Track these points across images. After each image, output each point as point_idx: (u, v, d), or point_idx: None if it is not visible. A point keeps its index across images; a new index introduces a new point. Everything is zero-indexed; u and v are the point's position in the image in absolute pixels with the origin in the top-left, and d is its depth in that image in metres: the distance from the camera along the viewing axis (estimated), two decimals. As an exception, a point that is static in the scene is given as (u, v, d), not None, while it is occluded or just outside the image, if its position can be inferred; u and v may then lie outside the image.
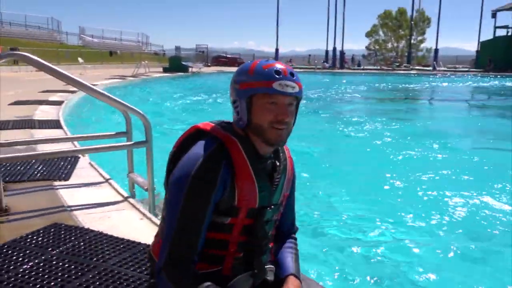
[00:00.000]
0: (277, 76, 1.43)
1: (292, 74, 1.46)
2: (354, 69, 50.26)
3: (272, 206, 1.57)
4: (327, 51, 55.13)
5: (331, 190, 5.85)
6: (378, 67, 53.34)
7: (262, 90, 1.43)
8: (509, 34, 47.36)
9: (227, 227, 1.50)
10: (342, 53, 53.94)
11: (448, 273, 3.67)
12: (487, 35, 50.14)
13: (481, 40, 50.54)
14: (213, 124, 1.57)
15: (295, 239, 1.80)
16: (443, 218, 4.85)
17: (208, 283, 1.37)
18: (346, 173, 6.68)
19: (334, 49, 53.87)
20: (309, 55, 60.02)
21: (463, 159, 7.83)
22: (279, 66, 1.46)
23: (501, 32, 48.37)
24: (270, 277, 1.61)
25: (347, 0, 52.94)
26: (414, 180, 6.28)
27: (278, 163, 1.61)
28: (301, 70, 46.77)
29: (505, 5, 47.81)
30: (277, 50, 54.76)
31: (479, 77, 38.51)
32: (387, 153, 8.07)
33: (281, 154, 1.64)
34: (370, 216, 4.85)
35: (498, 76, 37.54)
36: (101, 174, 4.56)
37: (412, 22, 56.20)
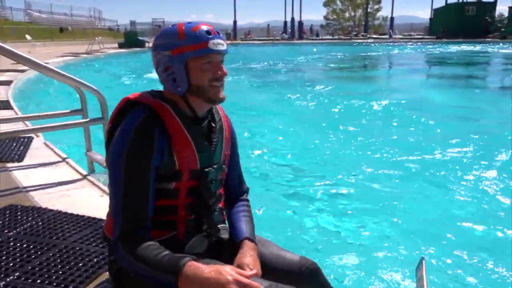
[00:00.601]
0: (209, 36, 1.45)
1: (218, 33, 1.50)
2: (312, 39, 50.42)
3: (215, 166, 1.58)
4: (285, 22, 55.01)
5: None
6: (337, 37, 53.73)
7: (200, 52, 1.45)
8: (460, 1, 48.46)
9: (172, 192, 1.51)
10: (300, 23, 53.96)
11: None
12: (439, 3, 51.21)
13: (434, 8, 51.68)
14: (143, 94, 1.56)
15: (247, 200, 1.81)
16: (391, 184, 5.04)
17: (160, 251, 1.35)
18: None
19: (293, 19, 53.86)
20: (268, 24, 59.64)
21: (414, 121, 8.10)
22: (206, 27, 1.48)
23: (452, 0, 49.51)
24: (225, 235, 1.63)
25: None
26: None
27: (213, 124, 1.62)
28: (260, 41, 46.62)
29: None
30: (235, 22, 54.17)
31: (432, 44, 39.45)
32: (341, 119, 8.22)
33: (216, 114, 1.66)
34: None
35: (450, 43, 38.58)
36: (57, 154, 4.46)
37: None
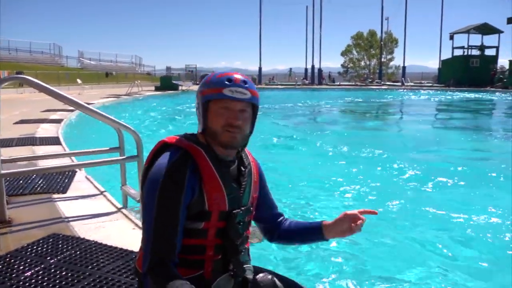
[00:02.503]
0: (228, 83, 1.45)
1: (245, 82, 1.48)
2: (331, 85, 50.71)
3: (243, 208, 1.56)
4: (306, 69, 55.65)
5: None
6: (353, 83, 53.96)
7: (214, 96, 1.46)
8: (465, 53, 48.85)
9: (202, 232, 1.49)
10: (320, 70, 54.53)
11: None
12: (446, 54, 51.53)
13: (442, 59, 51.98)
14: (177, 137, 1.57)
15: (285, 218, 1.82)
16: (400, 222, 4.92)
17: (184, 282, 1.33)
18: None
19: (313, 66, 54.50)
20: (290, 68, 60.38)
21: (424, 164, 7.96)
22: (232, 75, 1.49)
23: (458, 52, 49.96)
24: (250, 275, 1.59)
25: (324, 22, 53.82)
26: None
27: (243, 168, 1.61)
28: (283, 86, 47.13)
29: (461, 29, 49.55)
30: (260, 68, 55.08)
31: (441, 91, 39.51)
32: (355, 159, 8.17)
33: (245, 158, 1.65)
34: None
35: (457, 91, 38.54)
36: (96, 187, 4.55)
37: (382, 43, 57.19)
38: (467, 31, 48.57)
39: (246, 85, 1.48)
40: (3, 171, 3.34)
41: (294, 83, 50.29)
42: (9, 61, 36.71)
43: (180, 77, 42.46)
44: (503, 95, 34.35)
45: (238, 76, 1.49)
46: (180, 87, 33.43)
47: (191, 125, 13.96)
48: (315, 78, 53.59)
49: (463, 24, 49.68)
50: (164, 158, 1.47)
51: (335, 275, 3.45)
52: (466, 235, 4.45)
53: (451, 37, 50.25)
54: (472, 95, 33.91)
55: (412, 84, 50.66)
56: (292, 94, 35.37)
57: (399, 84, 49.87)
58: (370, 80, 54.81)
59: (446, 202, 5.51)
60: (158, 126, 13.32)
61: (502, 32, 47.37)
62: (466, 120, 17.65)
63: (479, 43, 48.75)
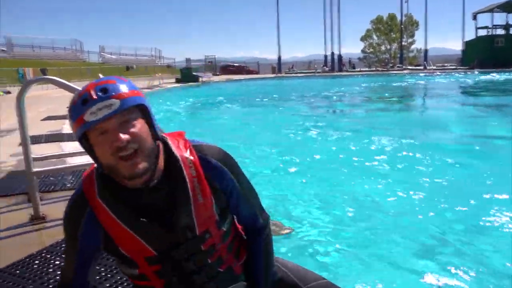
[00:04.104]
0: (85, 106, 1.11)
1: (103, 90, 1.12)
2: (351, 71, 50.17)
3: (184, 242, 1.25)
4: (325, 56, 55.11)
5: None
6: (374, 69, 53.24)
7: (82, 129, 1.13)
8: (489, 33, 47.51)
9: (143, 276, 1.29)
10: (339, 57, 53.93)
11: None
12: (470, 35, 50.39)
13: (465, 40, 50.70)
14: (92, 167, 1.29)
15: (265, 232, 1.45)
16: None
17: None
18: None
19: (332, 53, 53.93)
20: (310, 61, 59.96)
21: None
22: (86, 92, 1.13)
23: (481, 32, 48.64)
24: None
25: (342, 7, 53.13)
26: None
27: (170, 195, 1.24)
28: (303, 74, 46.86)
29: (484, 8, 48.18)
30: (279, 57, 54.85)
31: (464, 73, 38.60)
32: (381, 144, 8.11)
33: (179, 178, 1.24)
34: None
35: (482, 73, 37.55)
36: (124, 182, 4.65)
37: (402, 26, 56.13)
38: (491, 10, 47.25)
39: (106, 94, 1.12)
40: (35, 169, 3.47)
41: (313, 70, 49.93)
42: (33, 58, 37.63)
43: (200, 68, 42.67)
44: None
45: (93, 88, 1.13)
46: (200, 79, 33.60)
47: (212, 118, 14.11)
48: (335, 65, 53.04)
49: (487, 3, 48.10)
50: (69, 200, 1.31)
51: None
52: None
53: (474, 17, 49.03)
54: (498, 76, 33.00)
55: (434, 67, 49.68)
56: (312, 82, 35.14)
57: (421, 68, 48.97)
58: (391, 65, 53.98)
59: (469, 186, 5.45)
60: (180, 122, 13.48)
61: (528, 9, 45.81)
62: (495, 103, 17.22)
63: (504, 22, 47.30)
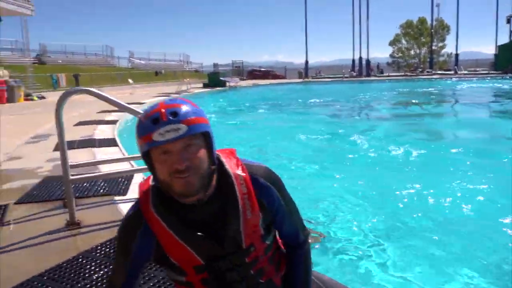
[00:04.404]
0: (154, 126, 1.21)
1: (174, 114, 1.21)
2: (379, 76, 49.59)
3: (230, 254, 1.35)
4: (353, 60, 54.66)
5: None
6: (402, 73, 52.48)
7: (147, 146, 1.23)
8: None
9: (190, 284, 1.40)
10: (367, 61, 53.40)
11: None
12: (503, 39, 49.13)
13: (498, 44, 49.52)
14: (148, 181, 1.41)
15: (304, 248, 1.56)
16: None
17: None
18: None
19: (360, 58, 53.46)
20: (338, 66, 59.53)
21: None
22: (157, 111, 1.22)
23: None
24: None
25: (371, 10, 52.48)
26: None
27: (221, 209, 1.34)
28: (330, 79, 46.62)
29: None
30: (306, 62, 54.73)
31: (499, 78, 37.60)
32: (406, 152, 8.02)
33: (230, 192, 1.34)
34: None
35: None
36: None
37: (432, 30, 55.23)
38: (526, 14, 45.93)
39: (176, 118, 1.21)
40: (72, 177, 3.63)
41: (341, 75, 49.62)
42: (66, 64, 38.86)
43: (227, 73, 43.02)
44: None
45: (165, 110, 1.22)
46: (227, 83, 33.87)
47: (241, 123, 14.23)
48: (363, 69, 52.55)
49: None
50: (127, 212, 1.42)
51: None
52: None
53: (508, 21, 47.83)
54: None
55: (466, 72, 48.54)
56: (340, 87, 34.91)
57: (452, 72, 47.97)
58: (420, 69, 53.10)
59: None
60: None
61: None
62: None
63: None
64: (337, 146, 9.65)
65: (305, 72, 52.73)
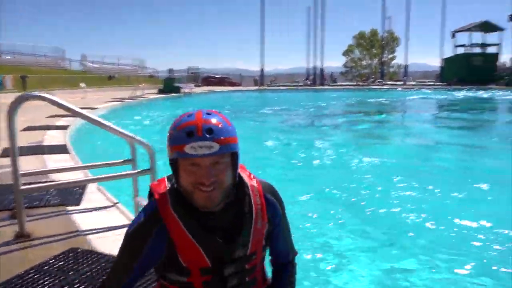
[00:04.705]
0: (189, 139, 1.25)
1: (209, 131, 1.26)
2: (333, 85, 50.83)
3: (235, 260, 1.41)
4: (307, 69, 55.81)
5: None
6: (355, 83, 54.10)
7: (178, 155, 1.29)
8: (467, 51, 49.43)
9: (190, 284, 1.42)
10: (322, 70, 54.66)
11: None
12: (448, 52, 52.08)
13: (444, 57, 52.39)
14: (164, 181, 1.47)
15: (292, 266, 1.67)
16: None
17: None
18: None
19: (315, 67, 54.65)
20: (292, 74, 60.58)
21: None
22: (194, 125, 1.27)
23: (460, 50, 50.48)
24: None
25: (326, 21, 53.93)
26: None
27: (237, 216, 1.42)
28: (285, 87, 47.28)
29: (462, 27, 50.12)
30: (262, 70, 55.21)
31: (444, 90, 39.74)
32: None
33: (247, 201, 1.43)
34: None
35: (460, 89, 38.68)
36: (108, 199, 4.67)
37: (384, 42, 57.37)
38: (469, 29, 48.95)
39: (211, 136, 1.26)
40: (22, 187, 3.48)
41: (296, 83, 50.44)
42: (13, 64, 37.05)
43: (182, 79, 42.64)
44: (505, 92, 34.46)
45: (201, 125, 1.26)
46: (182, 90, 33.58)
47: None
48: (317, 78, 53.71)
49: (465, 22, 50.28)
50: (137, 216, 1.43)
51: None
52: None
53: (453, 35, 50.68)
54: (474, 94, 34.00)
55: (414, 83, 50.81)
56: (295, 95, 35.49)
57: (401, 83, 50.01)
58: (372, 80, 54.95)
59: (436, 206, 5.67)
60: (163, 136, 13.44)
61: (503, 29, 47.77)
62: (469, 119, 17.77)
63: (480, 41, 49.19)
64: (291, 153, 9.80)
65: (261, 79, 53.19)
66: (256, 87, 47.27)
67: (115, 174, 4.20)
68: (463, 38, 50.59)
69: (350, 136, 13.09)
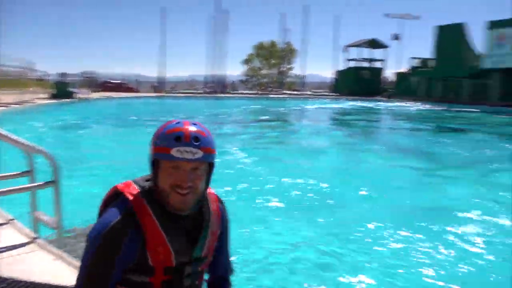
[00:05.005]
0: (177, 143, 1.36)
1: (196, 139, 1.38)
2: (234, 93, 51.60)
3: (193, 261, 1.50)
4: (207, 76, 56.08)
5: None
6: (255, 92, 55.50)
7: (162, 156, 1.38)
8: (357, 65, 53.85)
9: (147, 285, 1.44)
10: (222, 78, 55.23)
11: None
12: (341, 66, 56.29)
13: (337, 70, 56.38)
14: (131, 185, 1.49)
15: (229, 284, 1.76)
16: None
17: None
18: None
19: (215, 75, 55.07)
20: (192, 81, 60.38)
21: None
22: (182, 131, 1.38)
23: (351, 64, 54.72)
24: None
25: (227, 30, 54.62)
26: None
27: (199, 219, 1.52)
28: (185, 94, 46.87)
29: (353, 42, 54.47)
30: (161, 76, 54.23)
31: (336, 100, 42.80)
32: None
33: (206, 208, 1.54)
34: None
35: (351, 99, 41.84)
36: (2, 215, 4.20)
37: (282, 53, 59.87)
38: (359, 45, 53.31)
39: (197, 143, 1.38)
40: None
41: (196, 91, 50.35)
42: None
43: (76, 83, 40.13)
44: (391, 103, 38.05)
45: (189, 132, 1.39)
46: (77, 95, 31.65)
47: (85, 139, 13.42)
48: (218, 86, 54.14)
49: (356, 38, 54.57)
50: (107, 216, 1.41)
51: None
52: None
53: (345, 49, 54.82)
54: (363, 104, 36.99)
55: (310, 93, 53.69)
56: (195, 103, 35.40)
57: (299, 92, 52.54)
58: (271, 88, 56.85)
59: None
60: (52, 143, 12.55)
61: (388, 47, 52.88)
62: (359, 126, 19.33)
63: (368, 57, 54.02)
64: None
65: (160, 86, 52.17)
66: (156, 94, 46.18)
67: (12, 188, 3.79)
68: (353, 53, 54.95)
69: (246, 140, 13.59)
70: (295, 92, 53.74)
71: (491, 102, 32.18)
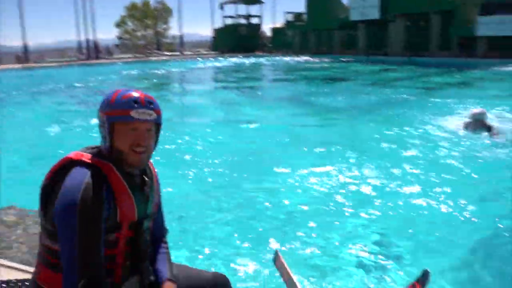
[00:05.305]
0: (135, 105, 1.52)
1: (150, 103, 1.57)
2: (110, 58, 48.72)
3: (148, 216, 1.67)
4: (79, 42, 51.88)
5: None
6: (133, 55, 52.97)
7: (121, 118, 1.52)
8: (235, 23, 53.98)
9: (113, 242, 1.55)
10: (95, 43, 51.53)
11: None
12: (218, 23, 56.11)
13: (215, 28, 56.16)
14: (83, 153, 1.58)
15: (166, 242, 1.90)
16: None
17: None
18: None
19: (87, 39, 51.11)
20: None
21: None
22: (137, 95, 1.55)
23: (228, 21, 54.89)
24: (152, 277, 1.73)
25: (92, -8, 50.44)
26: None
27: (146, 178, 1.69)
28: (56, 63, 43.09)
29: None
30: (25, 45, 48.84)
31: (217, 57, 42.96)
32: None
33: (148, 169, 1.72)
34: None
35: (230, 56, 42.39)
36: None
37: (156, 12, 57.55)
38: (235, 2, 53.34)
39: (151, 106, 1.57)
40: None
41: (68, 59, 46.58)
42: None
43: None
44: (269, 58, 39.36)
45: (143, 96, 1.57)
46: None
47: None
48: (91, 52, 50.55)
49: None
50: (75, 178, 1.46)
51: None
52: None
53: (222, 7, 54.63)
54: (243, 60, 37.70)
55: (190, 52, 52.88)
56: (68, 71, 32.87)
57: (178, 53, 51.42)
58: (148, 51, 54.69)
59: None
60: None
61: (263, 2, 53.97)
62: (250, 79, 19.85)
63: (245, 13, 54.49)
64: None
65: (25, 56, 47.09)
66: (21, 65, 41.70)
67: None
68: (230, 10, 54.88)
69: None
70: (175, 53, 52.49)
71: (359, 52, 34.79)
